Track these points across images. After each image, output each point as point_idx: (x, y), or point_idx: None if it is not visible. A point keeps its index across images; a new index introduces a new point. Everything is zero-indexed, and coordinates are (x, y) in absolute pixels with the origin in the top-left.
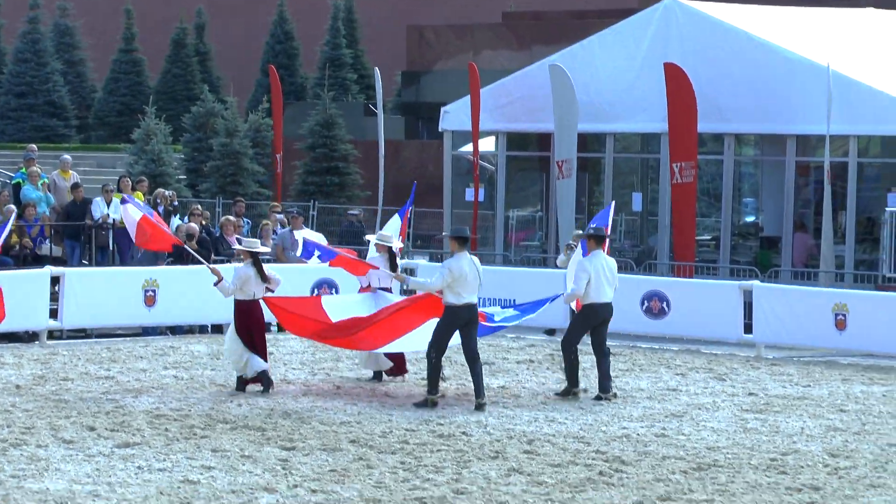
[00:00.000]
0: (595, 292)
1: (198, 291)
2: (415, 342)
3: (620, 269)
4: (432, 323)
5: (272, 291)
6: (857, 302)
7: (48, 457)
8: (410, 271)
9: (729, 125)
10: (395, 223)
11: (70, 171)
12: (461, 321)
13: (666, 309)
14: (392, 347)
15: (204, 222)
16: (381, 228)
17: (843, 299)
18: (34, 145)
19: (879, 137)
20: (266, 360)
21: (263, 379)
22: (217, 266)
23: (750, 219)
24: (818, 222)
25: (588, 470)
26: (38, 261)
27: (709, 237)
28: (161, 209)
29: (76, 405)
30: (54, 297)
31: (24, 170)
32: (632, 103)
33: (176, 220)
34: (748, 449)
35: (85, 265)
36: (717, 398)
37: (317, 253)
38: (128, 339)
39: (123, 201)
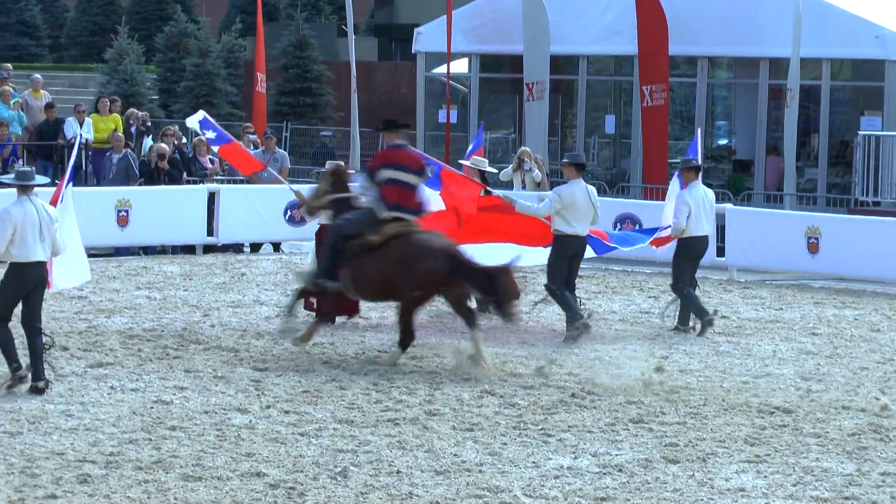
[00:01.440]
0: (693, 225)
1: (171, 212)
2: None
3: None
4: (512, 248)
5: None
6: (830, 225)
7: (20, 377)
8: None
9: (701, 48)
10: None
11: (41, 91)
12: (570, 251)
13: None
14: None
15: (177, 143)
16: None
17: (815, 223)
18: (9, 65)
19: (852, 61)
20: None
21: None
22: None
23: (723, 142)
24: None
25: (560, 392)
26: None
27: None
28: (133, 129)
29: (49, 325)
30: None
31: None
32: (605, 25)
33: (148, 141)
34: (720, 372)
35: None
36: (690, 321)
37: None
38: (100, 259)
39: (205, 124)
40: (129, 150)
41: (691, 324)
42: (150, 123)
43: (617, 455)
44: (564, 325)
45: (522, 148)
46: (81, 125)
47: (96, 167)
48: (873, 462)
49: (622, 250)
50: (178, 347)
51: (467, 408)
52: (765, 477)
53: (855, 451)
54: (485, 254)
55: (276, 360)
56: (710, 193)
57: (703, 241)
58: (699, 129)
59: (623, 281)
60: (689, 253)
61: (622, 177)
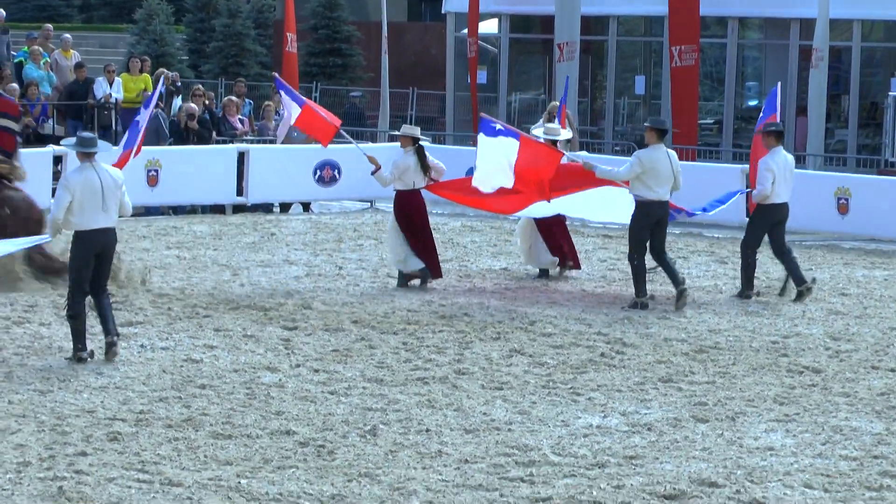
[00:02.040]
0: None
1: (200, 172)
2: (578, 205)
3: (623, 152)
4: (601, 192)
5: (434, 181)
6: (860, 186)
7: (51, 335)
8: None
9: (732, 8)
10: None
11: (71, 51)
12: (653, 217)
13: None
14: (561, 205)
15: (207, 102)
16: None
17: (845, 183)
18: (50, 25)
19: (882, 22)
20: (431, 252)
21: (422, 276)
22: (223, 146)
23: (753, 103)
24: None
25: (590, 351)
26: (40, 140)
27: (711, 121)
28: (163, 89)
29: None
30: (57, 175)
31: (26, 49)
32: None
33: (178, 101)
34: (749, 332)
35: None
36: (719, 281)
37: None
38: (130, 218)
39: (280, 86)
40: (160, 110)
41: (755, 290)
42: (179, 84)
43: (646, 414)
44: (633, 291)
45: (553, 103)
46: (111, 85)
47: (126, 127)
48: None
49: (707, 214)
50: (208, 306)
51: (496, 367)
52: (794, 436)
53: (884, 410)
54: (578, 203)
55: (305, 319)
56: (791, 159)
57: (783, 208)
58: (778, 85)
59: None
60: (767, 219)
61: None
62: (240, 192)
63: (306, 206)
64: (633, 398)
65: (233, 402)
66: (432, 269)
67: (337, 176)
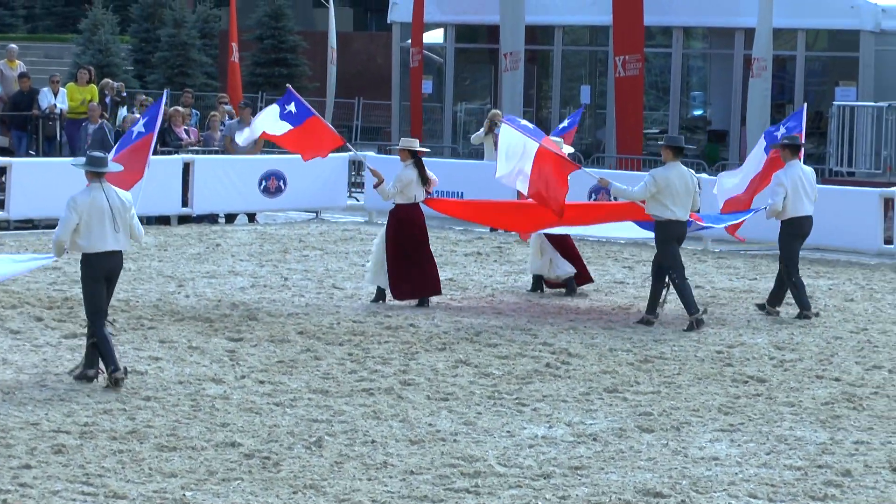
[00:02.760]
0: (793, 206)
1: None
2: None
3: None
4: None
5: (430, 194)
6: None
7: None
8: (359, 163)
9: (677, 18)
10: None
11: (16, 61)
12: (674, 236)
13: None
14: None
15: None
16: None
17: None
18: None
19: (827, 31)
20: (431, 266)
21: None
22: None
23: (698, 112)
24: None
25: (535, 362)
26: None
27: (657, 130)
28: (108, 100)
29: (23, 295)
30: (0, 187)
31: None
32: None
33: (123, 111)
34: (694, 341)
35: (32, 155)
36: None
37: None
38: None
39: (291, 97)
40: (105, 121)
41: (814, 309)
42: (125, 94)
43: (591, 424)
44: (645, 308)
45: (494, 111)
46: (56, 96)
47: (71, 137)
48: (846, 431)
49: (714, 228)
50: (153, 318)
51: (442, 377)
52: (738, 445)
53: (828, 419)
54: (604, 230)
55: (250, 331)
56: (810, 172)
57: (807, 221)
58: (804, 105)
59: (598, 251)
60: (793, 233)
61: (597, 147)
62: (185, 203)
63: (252, 217)
64: (579, 408)
65: (178, 414)
66: (432, 283)
67: (282, 187)
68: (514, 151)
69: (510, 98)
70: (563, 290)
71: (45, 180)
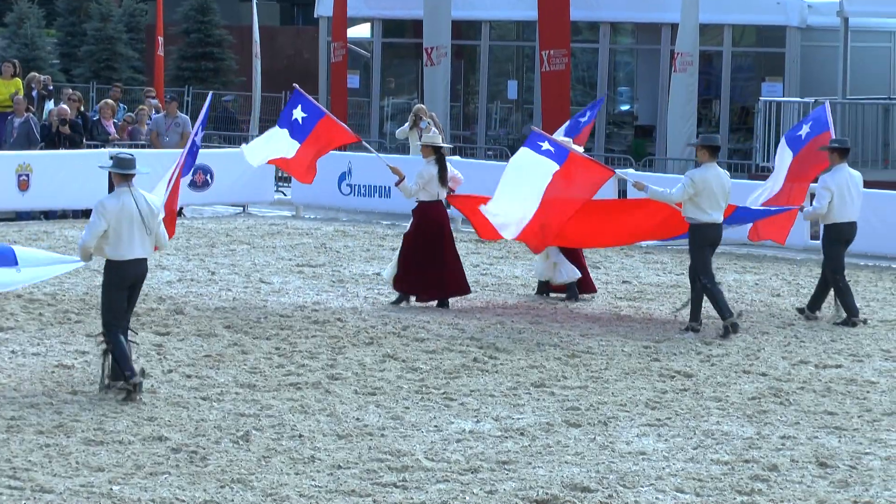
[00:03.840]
0: (838, 211)
1: (72, 176)
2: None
3: (496, 156)
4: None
5: (453, 191)
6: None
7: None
8: None
9: (604, 13)
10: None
11: None
12: (708, 240)
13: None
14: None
15: (80, 107)
16: (257, 114)
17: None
18: None
19: (754, 27)
20: (456, 264)
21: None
22: (95, 150)
23: (625, 108)
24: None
25: (462, 356)
26: None
27: None
28: (35, 93)
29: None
30: None
31: None
32: None
33: (50, 105)
34: (622, 337)
35: None
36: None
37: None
38: (1, 223)
39: (299, 98)
40: (31, 115)
41: (819, 314)
42: (51, 87)
43: (519, 419)
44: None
45: (417, 105)
46: None
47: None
48: (773, 425)
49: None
50: (80, 312)
51: (369, 372)
52: (665, 440)
53: (755, 414)
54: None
55: (177, 325)
56: (858, 176)
57: (851, 227)
58: (827, 103)
59: (524, 246)
60: (838, 239)
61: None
62: None
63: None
64: (506, 403)
65: (105, 409)
66: (458, 282)
67: (209, 180)
68: (522, 181)
69: (435, 92)
70: (565, 295)
71: None
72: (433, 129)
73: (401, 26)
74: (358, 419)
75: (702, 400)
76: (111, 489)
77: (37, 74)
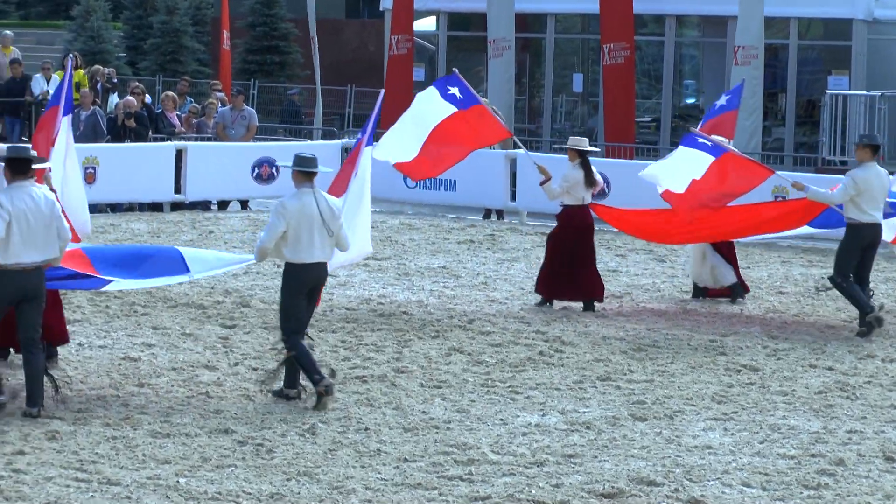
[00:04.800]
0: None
1: (138, 169)
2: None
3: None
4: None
5: (596, 196)
6: None
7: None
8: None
9: (669, 6)
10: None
11: (11, 47)
12: (865, 241)
13: (606, 190)
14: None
15: (144, 100)
16: (319, 109)
17: (782, 182)
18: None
19: (820, 20)
20: (591, 269)
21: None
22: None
23: (690, 101)
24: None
25: (528, 350)
26: None
27: (649, 119)
28: (99, 86)
29: None
30: None
31: None
32: None
33: (114, 98)
34: (688, 330)
35: (25, 142)
36: (657, 279)
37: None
38: None
39: (455, 81)
40: (97, 107)
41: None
42: (115, 80)
43: (585, 412)
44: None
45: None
46: (48, 82)
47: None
48: (840, 420)
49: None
50: (146, 305)
51: (435, 365)
52: (732, 434)
53: (822, 408)
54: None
55: (243, 318)
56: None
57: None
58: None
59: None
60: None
61: (590, 135)
62: (178, 190)
63: (244, 204)
64: (572, 396)
65: (171, 401)
66: (595, 287)
67: (275, 173)
68: (679, 165)
69: (499, 85)
70: (728, 298)
71: None
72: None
73: (466, 19)
74: (424, 412)
75: (768, 394)
76: (178, 481)
77: (101, 67)
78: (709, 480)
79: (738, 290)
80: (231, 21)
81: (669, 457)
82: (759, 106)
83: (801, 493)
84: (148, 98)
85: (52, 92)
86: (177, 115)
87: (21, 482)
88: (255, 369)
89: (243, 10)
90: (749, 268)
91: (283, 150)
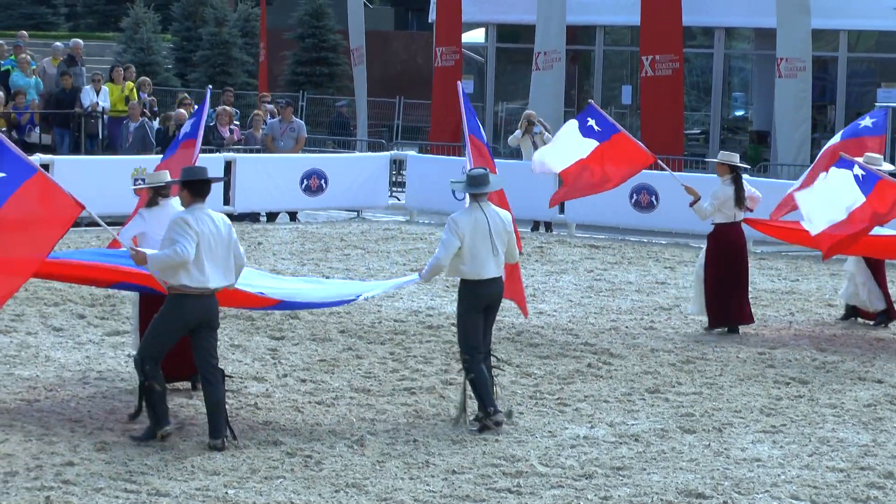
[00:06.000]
0: None
1: None
2: None
3: None
4: None
5: (751, 211)
6: None
7: (38, 344)
8: (400, 162)
9: (718, 18)
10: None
11: (60, 59)
12: None
13: (654, 202)
14: None
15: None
16: (361, 120)
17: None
18: (24, 32)
19: (870, 32)
20: (743, 291)
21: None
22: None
23: (739, 113)
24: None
25: (577, 362)
26: (27, 149)
27: (698, 131)
28: (144, 95)
29: (65, 292)
30: None
31: (13, 57)
32: None
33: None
34: (736, 343)
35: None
36: None
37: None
38: (117, 227)
39: (592, 114)
40: (146, 119)
41: None
42: (156, 109)
43: (633, 425)
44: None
45: (527, 111)
46: (98, 94)
47: (112, 136)
48: (889, 433)
49: None
50: None
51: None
52: (781, 447)
53: (871, 421)
54: None
55: (292, 329)
56: None
57: None
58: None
59: (639, 252)
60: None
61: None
62: (226, 202)
63: (293, 216)
64: (621, 409)
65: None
66: (746, 311)
67: (324, 185)
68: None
69: (543, 98)
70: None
71: (87, 178)
72: (546, 134)
73: (515, 31)
74: (471, 423)
75: (817, 407)
76: (226, 493)
77: (147, 79)
78: (757, 493)
79: (882, 317)
80: (279, 33)
81: (718, 469)
82: (807, 118)
83: None
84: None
85: (100, 104)
86: (229, 128)
87: (70, 493)
88: (303, 381)
89: (292, 21)
90: (798, 280)
91: (333, 162)
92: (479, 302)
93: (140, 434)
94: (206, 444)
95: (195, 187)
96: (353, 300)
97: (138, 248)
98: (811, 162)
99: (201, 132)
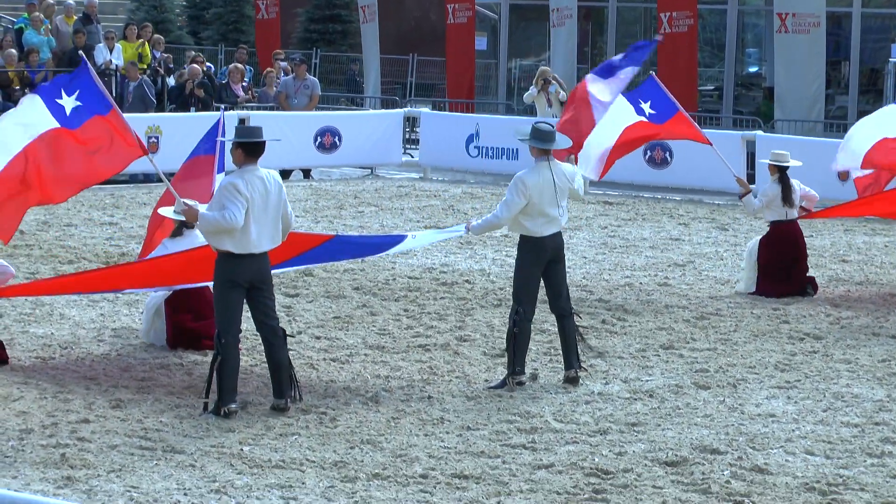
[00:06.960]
0: None
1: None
2: None
3: None
4: None
5: (809, 210)
6: None
7: (52, 302)
8: (414, 119)
9: None
10: None
11: (74, 17)
12: None
13: (668, 159)
14: None
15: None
16: (369, 78)
17: None
18: None
19: None
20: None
21: None
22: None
23: (753, 69)
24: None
25: (591, 318)
26: None
27: (711, 87)
28: (159, 55)
29: (80, 251)
30: None
31: (26, 15)
32: None
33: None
34: (750, 299)
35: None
36: (720, 248)
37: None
38: (130, 185)
39: (650, 88)
40: (144, 77)
41: None
42: (171, 66)
43: (647, 381)
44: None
45: (542, 68)
46: (111, 52)
47: (123, 94)
48: None
49: None
50: None
51: (498, 334)
52: (795, 402)
53: (885, 377)
54: None
55: (306, 286)
56: None
57: None
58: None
59: (653, 208)
60: None
61: None
62: None
63: (307, 173)
64: (635, 365)
65: None
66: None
67: (337, 143)
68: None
69: (561, 54)
70: None
71: None
72: (562, 92)
73: None
74: (487, 380)
75: (831, 362)
76: (241, 450)
77: (160, 37)
78: (772, 448)
79: None
80: None
81: (733, 425)
82: (821, 73)
83: (865, 461)
84: (209, 66)
85: (114, 61)
86: (241, 85)
87: (86, 450)
88: (318, 338)
89: None
90: (812, 236)
91: (346, 119)
92: (541, 257)
93: (208, 410)
94: (272, 403)
95: (249, 147)
96: (399, 244)
97: (190, 205)
98: (825, 118)
99: (217, 154)
